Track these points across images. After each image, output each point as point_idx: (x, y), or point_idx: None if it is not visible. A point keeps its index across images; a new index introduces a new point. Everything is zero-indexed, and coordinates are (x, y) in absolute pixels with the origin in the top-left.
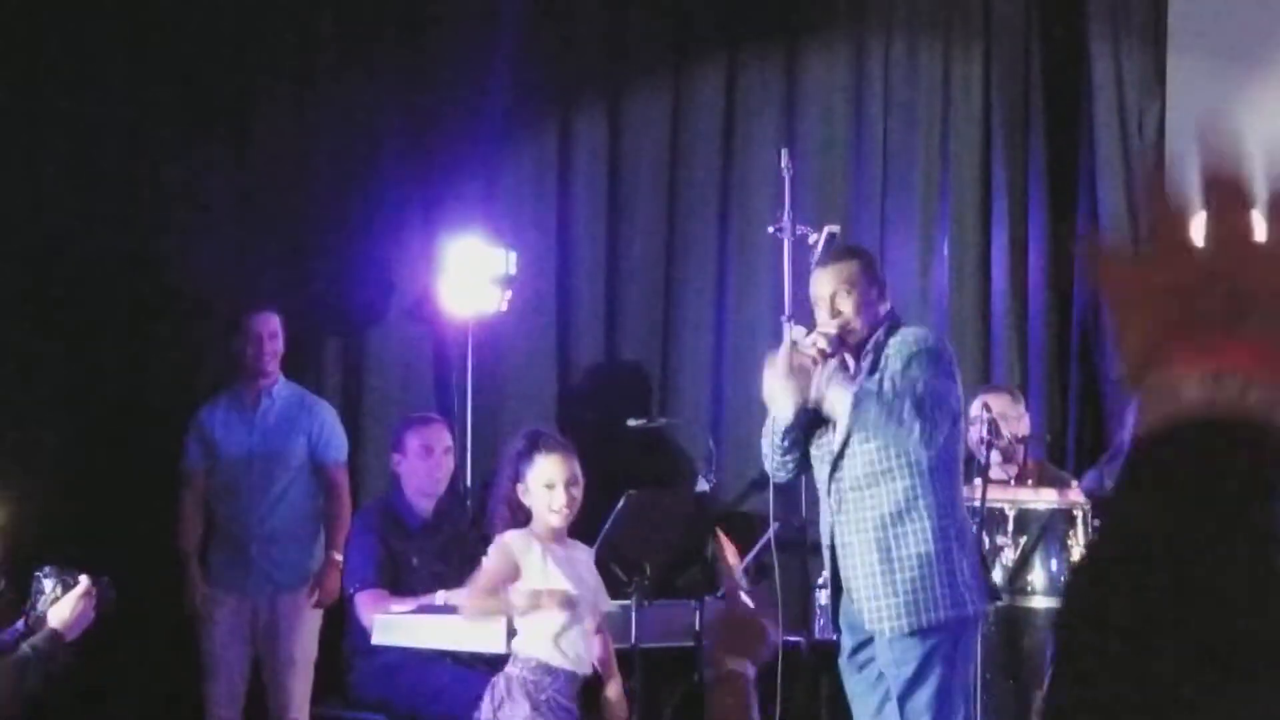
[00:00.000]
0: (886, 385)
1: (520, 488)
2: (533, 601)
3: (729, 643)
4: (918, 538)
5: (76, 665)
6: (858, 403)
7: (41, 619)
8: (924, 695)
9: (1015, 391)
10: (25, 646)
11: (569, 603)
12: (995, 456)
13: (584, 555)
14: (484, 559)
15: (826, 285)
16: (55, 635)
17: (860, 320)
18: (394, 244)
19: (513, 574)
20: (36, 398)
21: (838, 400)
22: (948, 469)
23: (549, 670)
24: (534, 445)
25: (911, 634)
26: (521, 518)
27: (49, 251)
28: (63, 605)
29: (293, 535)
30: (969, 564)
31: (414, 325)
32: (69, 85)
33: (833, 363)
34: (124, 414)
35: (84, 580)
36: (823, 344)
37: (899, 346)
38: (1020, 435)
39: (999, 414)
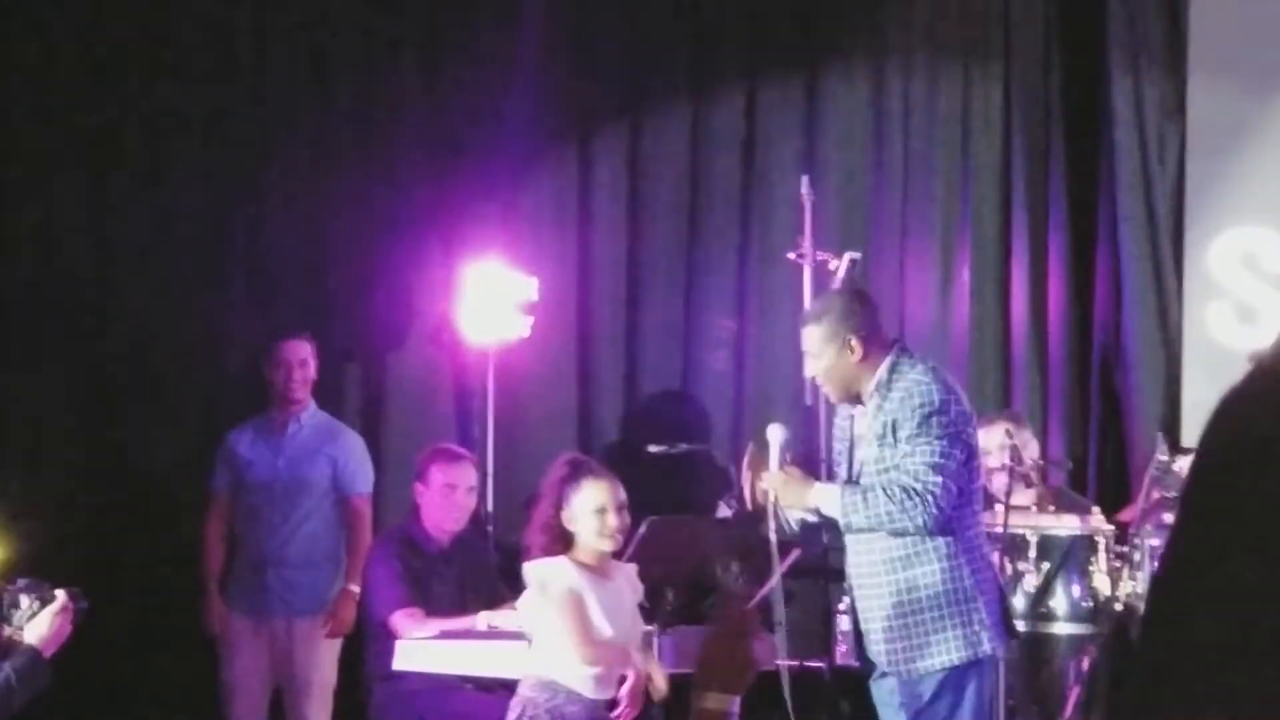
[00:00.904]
0: (871, 496)
1: (565, 514)
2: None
3: (714, 674)
4: (929, 579)
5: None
6: (848, 526)
7: (15, 637)
8: None
9: (1020, 416)
10: (6, 670)
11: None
12: (1017, 483)
13: (625, 580)
14: (553, 603)
15: (805, 343)
16: (35, 654)
17: (836, 378)
18: (414, 270)
19: (579, 599)
20: (60, 426)
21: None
22: (959, 507)
23: (572, 696)
24: (580, 471)
25: (924, 676)
26: (560, 546)
27: (75, 276)
28: (40, 622)
29: (312, 562)
30: (985, 602)
31: (435, 351)
32: (87, 109)
33: (804, 490)
34: (150, 439)
35: (61, 595)
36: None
37: (901, 405)
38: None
39: (1000, 445)
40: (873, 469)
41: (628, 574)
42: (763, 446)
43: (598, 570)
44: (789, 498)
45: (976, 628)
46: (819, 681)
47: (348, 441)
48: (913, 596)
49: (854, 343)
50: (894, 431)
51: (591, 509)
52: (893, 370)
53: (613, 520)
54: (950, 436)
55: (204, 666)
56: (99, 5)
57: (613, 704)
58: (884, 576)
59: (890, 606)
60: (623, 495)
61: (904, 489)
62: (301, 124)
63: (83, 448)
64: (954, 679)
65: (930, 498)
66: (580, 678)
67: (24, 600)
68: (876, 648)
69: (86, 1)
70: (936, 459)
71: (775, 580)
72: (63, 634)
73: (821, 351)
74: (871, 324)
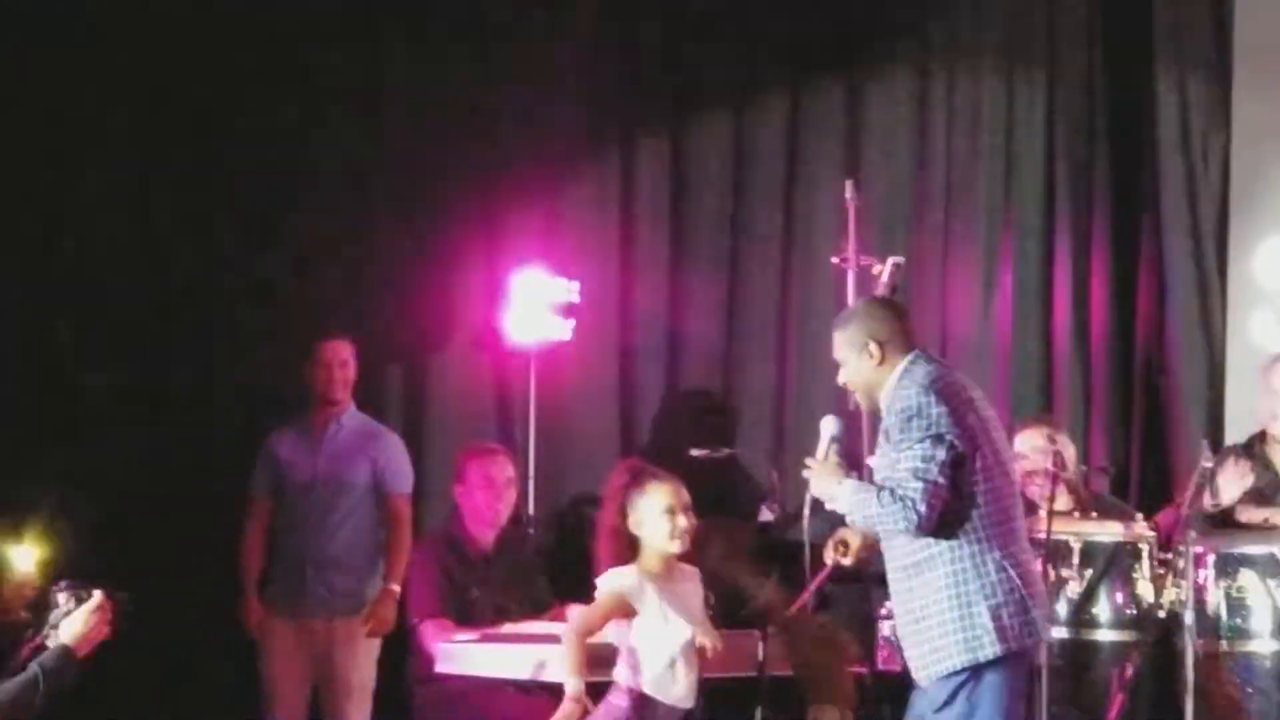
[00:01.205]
0: (867, 497)
1: (632, 520)
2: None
3: (823, 691)
4: (932, 586)
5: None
6: (852, 522)
7: (53, 634)
8: None
9: (1058, 421)
10: (34, 664)
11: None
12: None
13: (692, 583)
14: (599, 596)
15: (834, 349)
16: (66, 651)
17: (859, 383)
18: (457, 273)
19: (624, 614)
20: (104, 428)
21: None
22: (963, 513)
23: (650, 703)
24: (644, 475)
25: (934, 683)
26: (628, 553)
27: (118, 282)
28: (75, 619)
29: (351, 562)
30: (991, 606)
31: (477, 354)
32: (136, 114)
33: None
34: (190, 443)
35: (97, 595)
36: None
37: (890, 413)
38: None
39: (1036, 446)
40: (877, 476)
41: (692, 577)
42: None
43: (665, 575)
44: (820, 486)
45: (978, 630)
46: (860, 686)
47: (387, 442)
48: (922, 602)
49: (873, 348)
50: (888, 438)
51: (660, 511)
52: (902, 376)
53: (682, 521)
54: (931, 438)
55: (245, 667)
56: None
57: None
58: (901, 584)
59: (905, 613)
60: (687, 497)
61: (890, 492)
62: (348, 127)
63: (125, 449)
64: (963, 686)
65: (909, 502)
66: (667, 690)
67: (61, 599)
68: (905, 656)
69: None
70: (916, 463)
71: (813, 585)
72: (98, 633)
73: (846, 357)
74: (893, 329)
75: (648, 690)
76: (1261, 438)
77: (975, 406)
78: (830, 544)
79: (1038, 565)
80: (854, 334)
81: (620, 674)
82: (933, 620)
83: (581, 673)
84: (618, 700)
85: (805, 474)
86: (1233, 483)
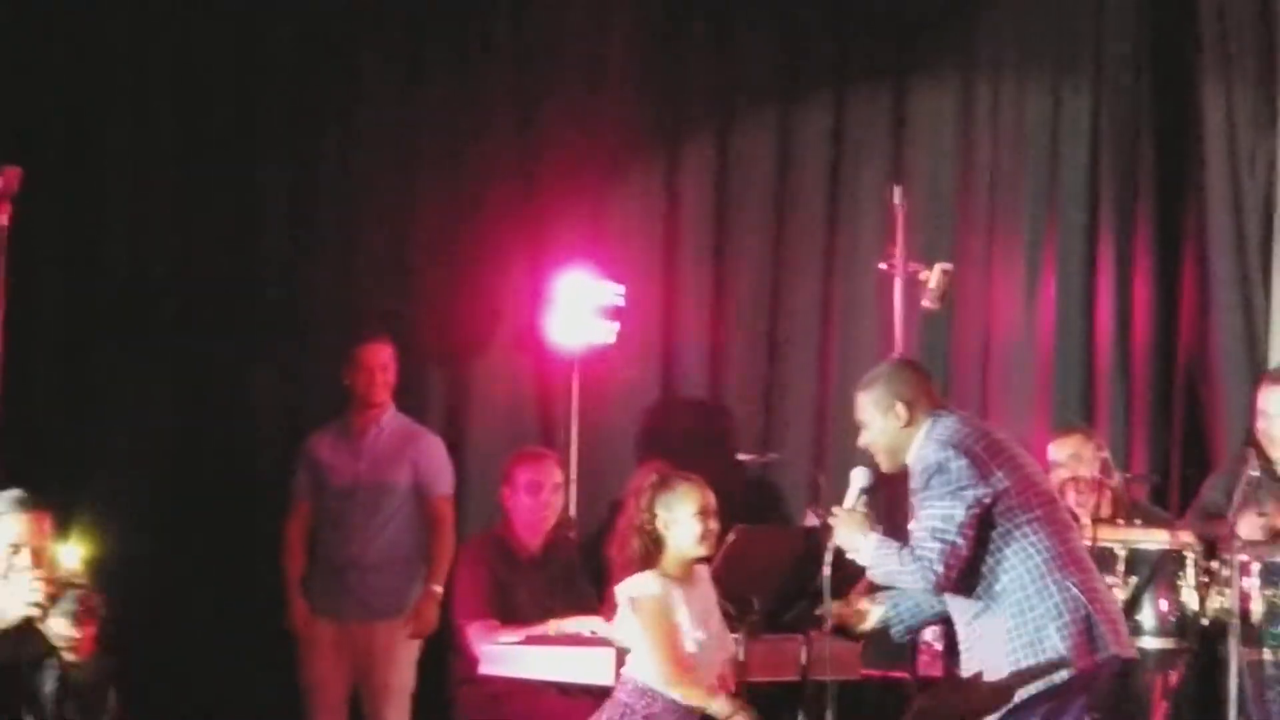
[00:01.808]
0: (889, 554)
1: (661, 520)
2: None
3: None
4: (1000, 626)
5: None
6: (874, 578)
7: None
8: None
9: (1088, 430)
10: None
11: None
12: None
13: (709, 587)
14: (644, 622)
15: (856, 411)
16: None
17: (883, 444)
18: (501, 276)
19: (676, 627)
20: (147, 429)
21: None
22: (1014, 549)
23: (668, 704)
24: (674, 478)
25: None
26: (649, 554)
27: (160, 284)
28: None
29: (393, 565)
30: (1057, 627)
31: (520, 357)
32: (177, 121)
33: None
34: (234, 444)
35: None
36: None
37: (913, 474)
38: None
39: (1073, 455)
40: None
41: (707, 578)
42: None
43: (685, 578)
44: (844, 537)
45: (1050, 655)
46: (902, 690)
47: (428, 444)
48: (994, 641)
49: (900, 409)
50: (917, 500)
51: (692, 513)
52: (926, 435)
53: (712, 524)
54: (952, 494)
55: (286, 669)
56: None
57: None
58: (973, 634)
59: (983, 655)
60: (714, 500)
61: (910, 551)
62: (390, 128)
63: (170, 450)
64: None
65: (927, 562)
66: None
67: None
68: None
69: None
70: (935, 523)
71: (826, 607)
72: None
73: (871, 419)
74: (919, 390)
75: (658, 686)
76: (1262, 455)
77: (1002, 446)
78: (843, 608)
79: (1102, 581)
80: (881, 395)
81: (634, 669)
82: (1001, 653)
83: (715, 693)
84: (627, 697)
85: (830, 521)
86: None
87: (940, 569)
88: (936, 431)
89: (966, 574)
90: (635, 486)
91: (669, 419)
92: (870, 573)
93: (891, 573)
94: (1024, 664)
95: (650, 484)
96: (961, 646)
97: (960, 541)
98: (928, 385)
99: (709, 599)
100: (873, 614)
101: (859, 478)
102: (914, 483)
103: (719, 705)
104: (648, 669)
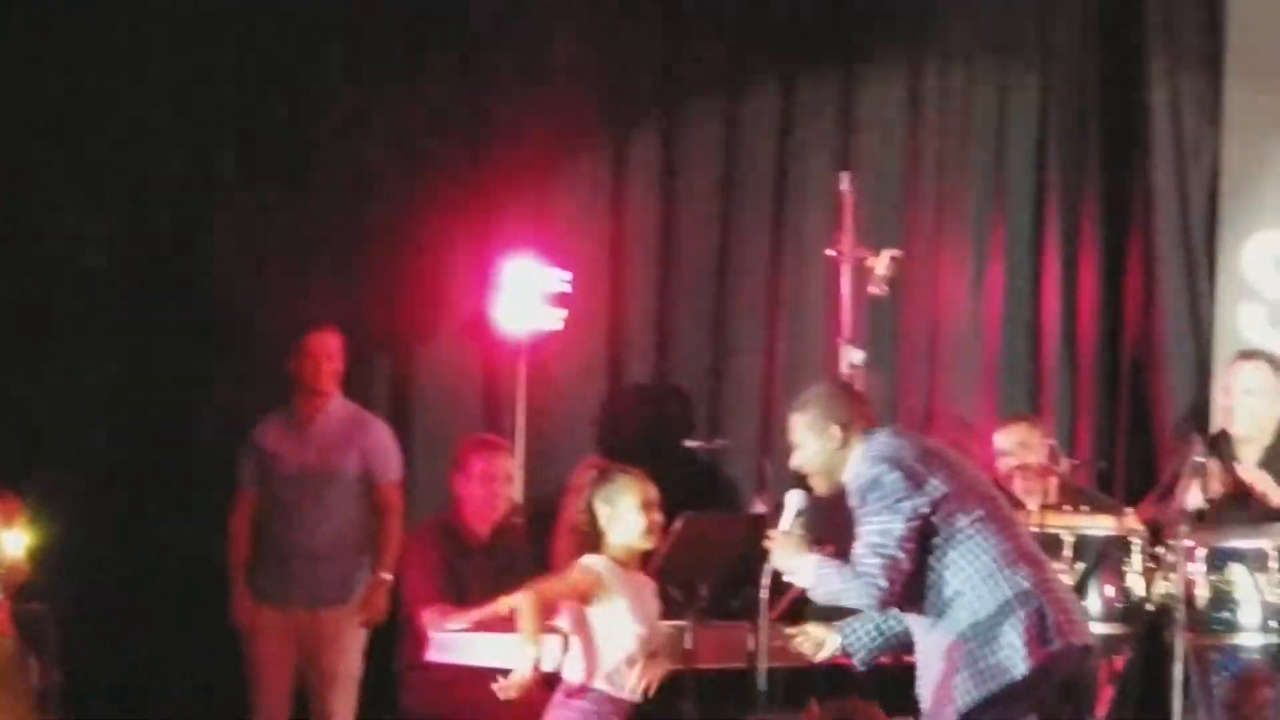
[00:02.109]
0: (830, 573)
1: (604, 514)
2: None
3: None
4: (955, 629)
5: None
6: (815, 598)
7: None
8: None
9: (1034, 418)
10: None
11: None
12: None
13: (649, 586)
14: (570, 571)
15: (790, 433)
16: None
17: (818, 466)
18: (448, 263)
19: (584, 598)
20: (92, 418)
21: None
22: (961, 553)
23: (606, 700)
24: (616, 471)
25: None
26: (590, 548)
27: (106, 273)
28: None
29: (339, 552)
30: (1011, 624)
31: (467, 344)
32: (125, 112)
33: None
34: (179, 433)
35: None
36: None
37: (850, 492)
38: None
39: (1020, 442)
40: None
41: (647, 582)
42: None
43: (628, 572)
44: (782, 560)
45: (1007, 651)
46: (851, 677)
47: (375, 431)
48: (949, 644)
49: (835, 431)
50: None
51: (634, 506)
52: (860, 454)
53: (656, 516)
54: (889, 507)
55: (232, 657)
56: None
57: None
58: (930, 643)
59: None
60: (656, 493)
61: (852, 569)
62: (338, 117)
63: (113, 439)
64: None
65: (869, 578)
66: (615, 680)
67: None
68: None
69: None
70: (874, 539)
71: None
72: None
73: (805, 440)
74: (854, 411)
75: (600, 685)
76: (1224, 437)
77: (935, 453)
78: (800, 637)
79: (1055, 573)
80: (815, 417)
81: (570, 671)
82: (958, 655)
83: (538, 641)
84: (570, 697)
85: (767, 544)
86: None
87: (884, 584)
88: (869, 449)
89: (914, 586)
90: (575, 484)
91: (616, 406)
92: (812, 594)
93: (834, 592)
94: (981, 662)
95: (589, 480)
96: (918, 659)
97: (901, 555)
98: (862, 406)
99: (651, 598)
100: (829, 643)
101: (794, 500)
102: (851, 501)
103: (532, 650)
104: (586, 665)
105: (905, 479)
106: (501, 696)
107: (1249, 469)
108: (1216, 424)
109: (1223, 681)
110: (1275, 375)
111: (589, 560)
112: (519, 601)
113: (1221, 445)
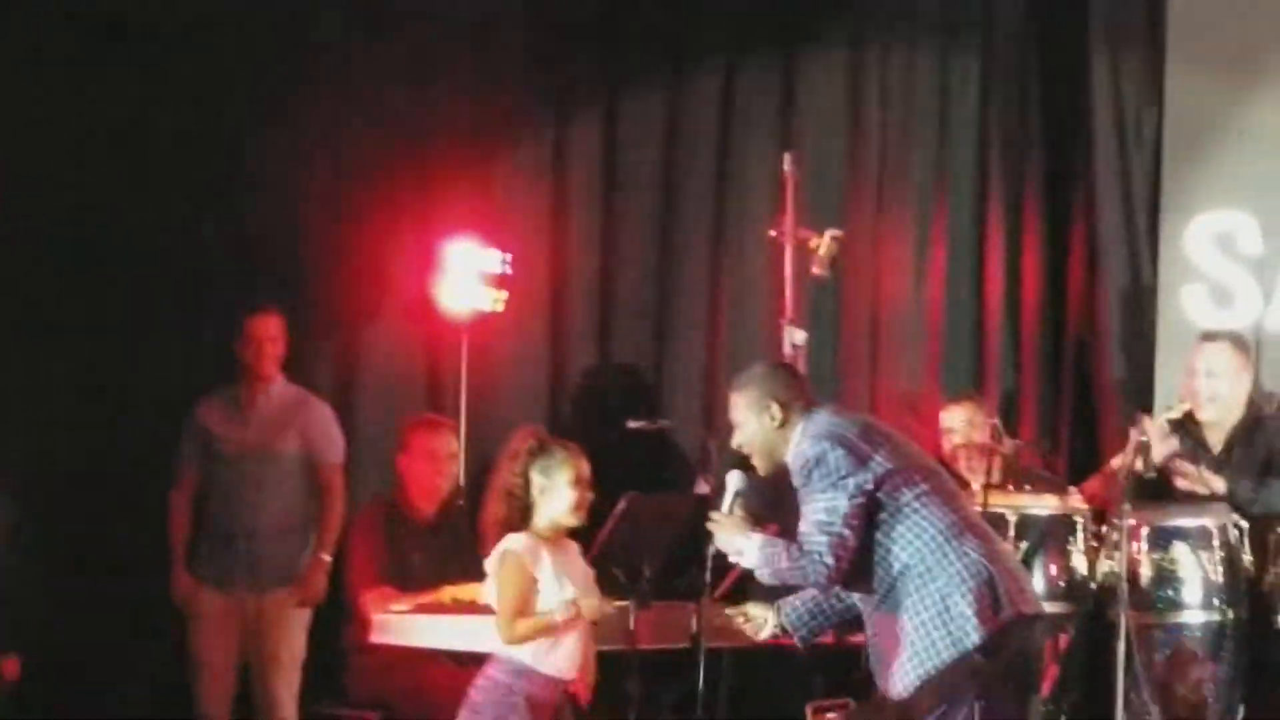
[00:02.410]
0: (777, 553)
1: (537, 483)
2: (574, 613)
3: None
4: (906, 603)
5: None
6: (762, 577)
7: None
8: None
9: (979, 398)
10: None
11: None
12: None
13: (576, 555)
14: (499, 577)
15: (731, 412)
16: None
17: (759, 445)
18: (390, 244)
19: (533, 585)
20: (33, 396)
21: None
22: (908, 528)
23: (535, 677)
24: (552, 445)
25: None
26: (518, 517)
27: (49, 253)
28: None
29: (281, 534)
30: (962, 594)
31: (409, 325)
32: (68, 83)
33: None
34: (120, 412)
35: None
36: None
37: (793, 472)
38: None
39: (965, 421)
40: None
41: (575, 550)
42: None
43: (554, 544)
44: (724, 542)
45: (960, 622)
46: (794, 657)
47: (317, 412)
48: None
49: (775, 410)
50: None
51: (568, 481)
52: (802, 433)
53: (587, 494)
54: (833, 485)
55: (175, 639)
56: None
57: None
58: (879, 618)
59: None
60: (589, 470)
61: (798, 547)
62: (278, 97)
63: (53, 421)
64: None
65: (816, 556)
66: (545, 659)
67: None
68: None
69: None
70: (819, 516)
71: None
72: None
73: (746, 419)
74: (794, 390)
75: (528, 660)
76: (1189, 417)
77: (877, 430)
78: (737, 616)
79: (1002, 544)
80: (754, 396)
81: (499, 644)
82: (909, 628)
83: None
84: (496, 673)
85: (709, 527)
86: (1159, 442)
87: (830, 561)
88: (811, 427)
89: (861, 563)
90: (511, 449)
91: (558, 386)
92: (759, 574)
93: (781, 571)
94: (933, 634)
95: (527, 449)
96: (868, 636)
97: (846, 532)
98: (802, 386)
99: (578, 568)
100: (769, 624)
101: (733, 481)
102: (795, 480)
103: (560, 612)
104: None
105: (849, 456)
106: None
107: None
108: (1164, 404)
109: (1158, 661)
110: (1238, 356)
111: (507, 545)
112: (525, 634)
113: (1186, 426)
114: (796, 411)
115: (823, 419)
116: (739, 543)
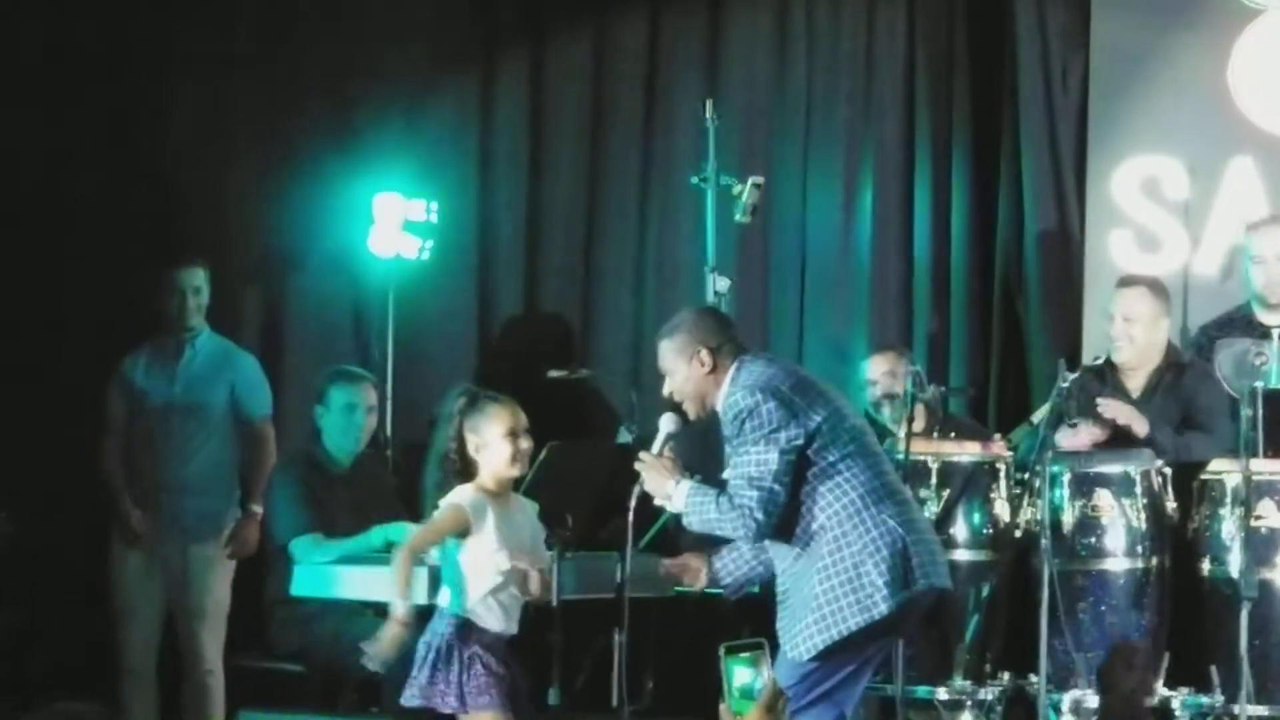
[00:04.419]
0: (706, 502)
1: (472, 442)
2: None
3: None
4: (819, 564)
5: None
6: (688, 524)
7: None
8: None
9: (902, 348)
10: None
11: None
12: (919, 410)
13: (529, 514)
14: (436, 512)
15: (660, 360)
16: None
17: (690, 391)
18: (315, 193)
19: (459, 532)
20: None
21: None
22: (830, 487)
23: (475, 629)
24: (483, 399)
25: (822, 650)
26: (461, 479)
27: None
28: None
29: (207, 487)
30: (875, 563)
31: (335, 275)
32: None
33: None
34: (45, 365)
35: None
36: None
37: (724, 422)
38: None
39: (888, 371)
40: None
41: (525, 508)
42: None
43: (500, 500)
44: (653, 484)
45: (869, 590)
46: (721, 605)
47: (244, 365)
48: (810, 580)
49: (704, 355)
50: (730, 446)
51: (501, 434)
52: (732, 381)
53: (523, 444)
54: (765, 438)
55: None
56: None
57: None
58: (790, 576)
59: (795, 594)
60: (525, 419)
61: (729, 499)
62: (202, 48)
63: None
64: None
65: (746, 510)
66: (489, 613)
67: None
68: (784, 636)
69: None
70: (750, 470)
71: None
72: None
73: (675, 366)
74: (723, 336)
75: (470, 615)
76: (1108, 362)
77: (810, 384)
78: (676, 565)
79: (919, 512)
80: (683, 342)
81: (443, 598)
82: (819, 591)
83: (407, 595)
84: (439, 625)
85: (637, 466)
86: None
87: (761, 516)
88: (743, 377)
89: (785, 517)
90: (444, 411)
91: (485, 336)
92: (685, 520)
93: (709, 520)
94: (842, 599)
95: (458, 408)
96: (779, 591)
97: (777, 488)
98: (730, 331)
99: (525, 527)
100: (704, 573)
101: (666, 424)
102: (726, 430)
103: (401, 605)
104: (457, 595)
105: (781, 408)
106: (373, 665)
107: (1109, 403)
108: (1091, 351)
109: (1098, 656)
110: (1156, 301)
111: (453, 496)
112: (394, 560)
113: (1106, 373)
114: (726, 355)
115: (757, 369)
116: (668, 487)
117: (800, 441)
